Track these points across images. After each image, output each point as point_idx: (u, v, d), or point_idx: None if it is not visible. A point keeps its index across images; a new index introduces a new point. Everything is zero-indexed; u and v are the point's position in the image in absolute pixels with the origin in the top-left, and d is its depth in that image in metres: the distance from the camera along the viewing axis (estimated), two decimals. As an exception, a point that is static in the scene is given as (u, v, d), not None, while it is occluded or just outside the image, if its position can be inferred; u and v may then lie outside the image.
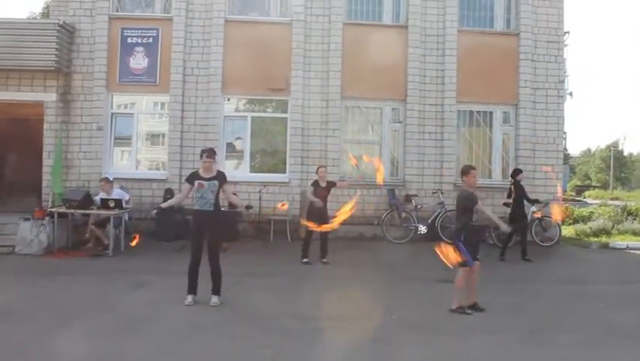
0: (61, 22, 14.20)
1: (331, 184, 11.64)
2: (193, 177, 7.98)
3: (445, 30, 15.37)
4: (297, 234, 13.96)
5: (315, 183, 11.51)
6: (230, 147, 15.52)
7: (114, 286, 9.01)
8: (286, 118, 15.28)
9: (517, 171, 13.11)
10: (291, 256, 11.41)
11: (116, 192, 12.63)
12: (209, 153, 8.02)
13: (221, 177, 8.02)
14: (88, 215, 12.27)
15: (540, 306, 8.50)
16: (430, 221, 14.56)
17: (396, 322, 7.32)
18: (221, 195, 8.06)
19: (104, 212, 11.95)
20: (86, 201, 12.20)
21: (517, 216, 12.57)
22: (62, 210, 12.11)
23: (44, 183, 14.36)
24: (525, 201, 12.76)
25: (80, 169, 14.65)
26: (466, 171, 8.16)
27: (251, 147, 15.37)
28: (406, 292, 8.76)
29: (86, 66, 14.77)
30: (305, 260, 11.32)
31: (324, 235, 11.44)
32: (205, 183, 7.89)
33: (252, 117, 15.49)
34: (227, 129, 15.40)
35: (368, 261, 11.73)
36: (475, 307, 7.95)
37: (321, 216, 11.20)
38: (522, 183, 12.90)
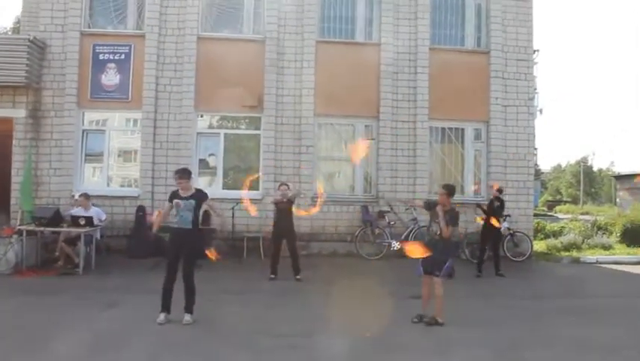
0: (31, 38, 14.06)
1: (292, 198, 11.54)
2: (173, 196, 8.10)
3: (417, 48, 15.54)
4: (270, 251, 13.93)
5: (277, 199, 11.54)
6: (203, 163, 15.45)
7: (85, 306, 8.83)
8: (259, 135, 15.26)
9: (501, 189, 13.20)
10: (265, 273, 11.33)
11: (94, 210, 12.48)
12: (180, 174, 8.09)
13: (199, 196, 8.11)
14: (58, 233, 12.08)
15: (513, 321, 8.56)
16: (403, 237, 14.59)
17: (371, 339, 7.29)
18: (211, 213, 8.14)
19: (74, 229, 11.77)
20: (56, 218, 12.01)
21: (491, 231, 12.63)
22: (31, 227, 11.88)
23: (13, 201, 14.11)
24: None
25: (49, 186, 14.45)
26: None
27: (224, 164, 15.32)
28: (379, 308, 8.73)
29: (56, 82, 14.61)
30: (272, 276, 11.27)
31: (294, 253, 11.43)
32: (182, 202, 7.95)
33: (225, 134, 15.44)
34: (200, 146, 15.33)
35: (342, 277, 11.69)
36: (421, 318, 8.10)
37: (287, 232, 11.32)
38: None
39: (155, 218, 8.59)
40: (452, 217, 8.16)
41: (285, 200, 11.40)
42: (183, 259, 7.89)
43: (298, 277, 11.28)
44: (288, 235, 11.43)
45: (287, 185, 11.86)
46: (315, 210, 11.99)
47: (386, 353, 6.82)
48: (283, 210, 11.42)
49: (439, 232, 8.12)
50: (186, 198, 7.97)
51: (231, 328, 7.72)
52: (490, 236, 12.64)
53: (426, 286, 8.17)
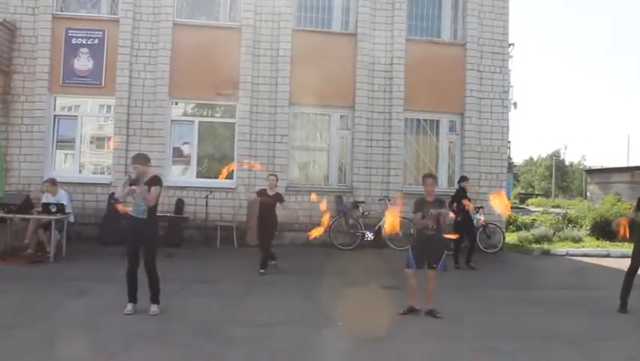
0: (1, 20, 13.78)
1: (278, 197, 11.17)
2: (131, 182, 7.72)
3: (393, 39, 15.55)
4: (243, 240, 13.90)
5: (262, 191, 11.17)
6: (176, 151, 15.30)
7: (54, 294, 8.71)
8: (234, 123, 15.16)
9: (462, 178, 13.23)
10: (238, 263, 11.28)
11: (63, 195, 12.25)
12: (135, 160, 7.80)
13: (150, 182, 7.65)
14: (28, 220, 11.87)
15: (484, 312, 8.64)
16: (377, 228, 14.64)
17: (342, 329, 7.31)
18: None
19: (44, 217, 11.57)
20: (26, 205, 11.80)
21: (463, 223, 12.60)
22: (0, 214, 11.66)
23: (-18, 187, 13.84)
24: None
25: (20, 172, 14.21)
26: (422, 180, 8.47)
27: (198, 152, 15.19)
28: (352, 298, 8.74)
29: (27, 66, 14.35)
30: (262, 271, 10.83)
31: (267, 248, 11.06)
32: (137, 188, 7.61)
33: (200, 122, 15.32)
34: (175, 134, 15.18)
35: (315, 267, 11.70)
36: (431, 313, 8.11)
37: (268, 226, 11.02)
38: (468, 190, 12.99)
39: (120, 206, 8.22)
40: (442, 204, 8.28)
41: (271, 195, 11.03)
42: (143, 251, 7.64)
43: (262, 271, 10.91)
44: (270, 230, 11.08)
45: (275, 176, 11.51)
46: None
47: (356, 342, 6.83)
48: (269, 205, 11.00)
49: (434, 227, 8.14)
50: (144, 185, 7.63)
51: (203, 317, 7.67)
52: (464, 228, 12.62)
53: (414, 278, 8.18)
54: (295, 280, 10.48)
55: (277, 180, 11.47)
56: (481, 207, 14.10)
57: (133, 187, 7.63)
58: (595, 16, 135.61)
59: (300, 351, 6.54)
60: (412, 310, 8.13)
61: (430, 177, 8.53)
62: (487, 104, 15.93)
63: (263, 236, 11.11)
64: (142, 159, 7.86)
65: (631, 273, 8.87)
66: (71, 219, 12.26)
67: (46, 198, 12.08)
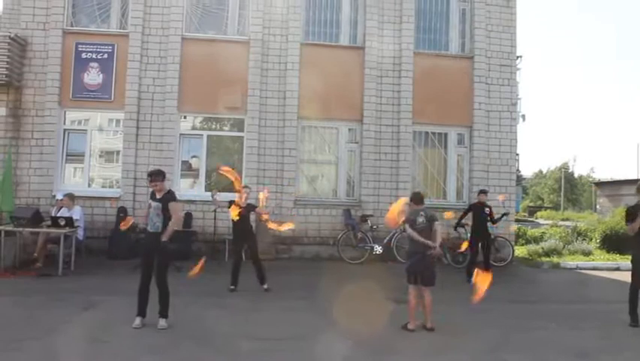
0: (12, 35, 13.92)
1: (251, 207, 10.82)
2: (150, 197, 7.95)
3: (401, 52, 15.59)
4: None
5: (233, 203, 10.56)
6: (185, 165, 15.34)
7: (63, 307, 8.72)
8: (242, 137, 15.20)
9: (480, 191, 12.99)
10: (245, 276, 11.22)
11: (77, 210, 12.35)
12: (153, 177, 7.85)
13: (165, 199, 7.80)
14: (37, 233, 11.92)
15: (493, 326, 8.56)
16: (385, 241, 14.59)
17: (350, 342, 7.27)
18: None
19: (54, 230, 11.62)
20: (36, 218, 11.86)
21: (482, 237, 12.54)
22: (10, 228, 11.72)
23: (-9, 201, 13.90)
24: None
25: (29, 186, 14.29)
26: None
27: (207, 166, 15.23)
28: (360, 312, 8.72)
29: (38, 80, 14.47)
30: (232, 288, 10.41)
31: (257, 260, 10.65)
32: (153, 204, 7.80)
33: (208, 135, 15.36)
34: (183, 147, 15.23)
35: (323, 281, 11.64)
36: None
37: (246, 236, 10.67)
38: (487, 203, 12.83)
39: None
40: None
41: (243, 207, 10.58)
42: (155, 264, 7.73)
43: (265, 286, 10.61)
44: (249, 240, 10.73)
45: (248, 188, 11.18)
46: (286, 226, 10.73)
47: (364, 355, 6.81)
48: (243, 217, 10.49)
49: None
50: (157, 201, 7.79)
51: (211, 331, 7.66)
52: (479, 242, 12.55)
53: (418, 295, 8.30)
54: (303, 294, 10.43)
55: (250, 191, 11.10)
56: (506, 214, 13.88)
57: (150, 202, 7.80)
58: (599, 24, 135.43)
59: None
60: (424, 328, 8.09)
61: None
62: (495, 116, 15.91)
63: (240, 249, 10.84)
64: (160, 175, 7.94)
65: (634, 288, 8.77)
66: (80, 236, 12.29)
67: (62, 212, 12.14)
